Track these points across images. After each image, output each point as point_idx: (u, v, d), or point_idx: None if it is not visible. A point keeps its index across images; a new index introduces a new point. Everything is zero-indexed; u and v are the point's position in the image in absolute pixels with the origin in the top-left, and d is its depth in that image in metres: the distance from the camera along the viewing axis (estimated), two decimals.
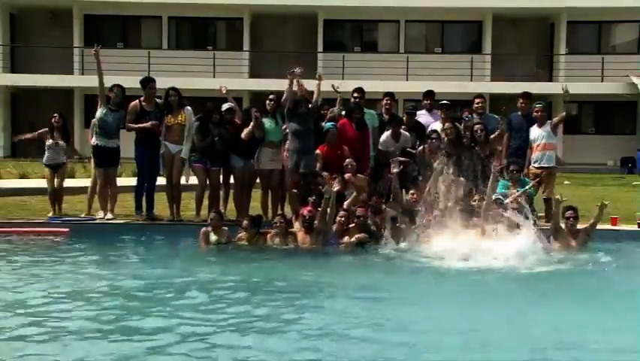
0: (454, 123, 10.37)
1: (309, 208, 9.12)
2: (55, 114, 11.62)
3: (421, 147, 10.32)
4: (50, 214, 11.01)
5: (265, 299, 6.52)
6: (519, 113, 11.10)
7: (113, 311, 6.04)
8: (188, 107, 10.68)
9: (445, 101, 11.19)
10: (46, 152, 11.40)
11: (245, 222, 9.28)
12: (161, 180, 11.05)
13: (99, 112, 10.79)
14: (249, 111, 10.69)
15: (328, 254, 8.80)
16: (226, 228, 9.35)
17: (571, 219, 8.91)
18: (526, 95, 11.28)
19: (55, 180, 11.33)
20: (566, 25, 27.63)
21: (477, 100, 11.24)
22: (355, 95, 10.81)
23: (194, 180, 10.94)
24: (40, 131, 11.54)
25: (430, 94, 11.81)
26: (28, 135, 11.86)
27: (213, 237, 9.18)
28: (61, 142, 11.38)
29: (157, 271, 7.85)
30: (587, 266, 8.08)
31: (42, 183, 12.14)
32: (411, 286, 7.40)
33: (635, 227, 10.07)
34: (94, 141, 10.87)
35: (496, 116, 11.22)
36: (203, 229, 9.31)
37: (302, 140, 10.17)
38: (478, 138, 10.01)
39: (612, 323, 5.79)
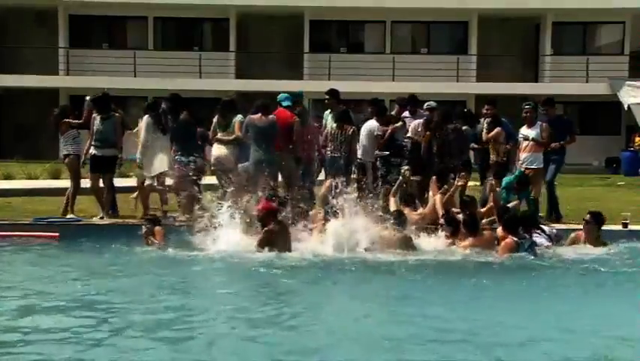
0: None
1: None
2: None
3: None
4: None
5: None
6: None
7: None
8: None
9: (432, 103, 11.29)
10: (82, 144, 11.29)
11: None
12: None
13: (96, 124, 11.01)
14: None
15: None
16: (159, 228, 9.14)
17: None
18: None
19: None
20: (552, 26, 27.78)
21: (487, 106, 11.63)
22: (326, 97, 11.12)
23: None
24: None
25: (412, 100, 11.90)
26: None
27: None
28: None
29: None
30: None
31: (27, 185, 11.86)
32: None
33: (619, 227, 10.14)
34: (91, 151, 11.00)
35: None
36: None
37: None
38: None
39: None
